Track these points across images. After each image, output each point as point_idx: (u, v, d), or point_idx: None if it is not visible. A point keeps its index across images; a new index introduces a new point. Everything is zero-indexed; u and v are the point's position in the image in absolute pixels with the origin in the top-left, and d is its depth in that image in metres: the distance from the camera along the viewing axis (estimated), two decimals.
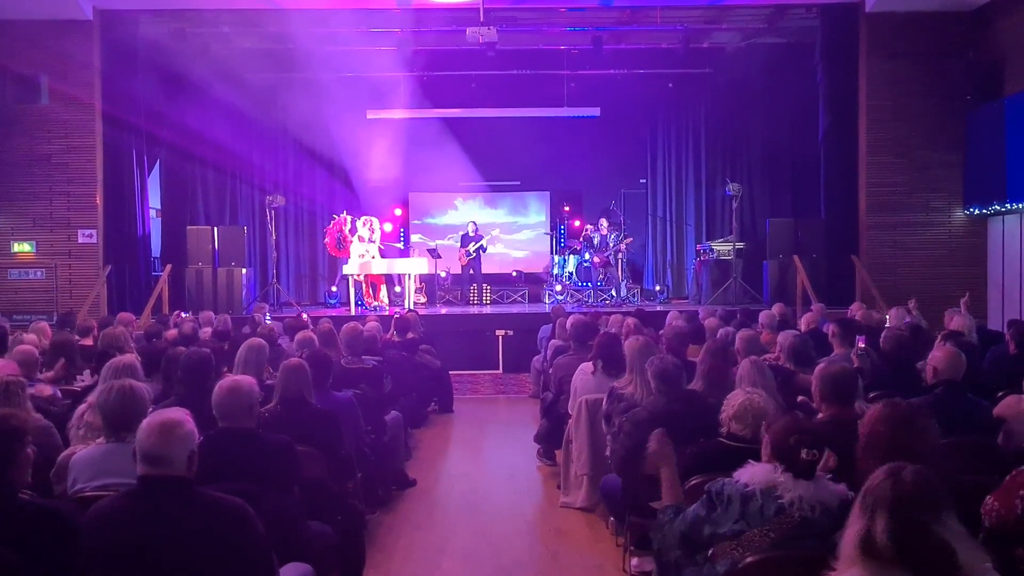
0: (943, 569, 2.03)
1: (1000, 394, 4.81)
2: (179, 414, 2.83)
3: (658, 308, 11.39)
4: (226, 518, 2.73)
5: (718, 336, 6.46)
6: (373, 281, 13.69)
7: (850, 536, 2.14)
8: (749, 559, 2.81)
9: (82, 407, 4.15)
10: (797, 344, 5.85)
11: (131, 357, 4.57)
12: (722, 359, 4.94)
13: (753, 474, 2.99)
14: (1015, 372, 4.60)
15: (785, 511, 2.87)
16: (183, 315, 10.34)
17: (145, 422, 2.78)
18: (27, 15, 12.06)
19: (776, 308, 9.25)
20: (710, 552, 3.09)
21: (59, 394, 5.31)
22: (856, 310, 9.17)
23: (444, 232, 16.32)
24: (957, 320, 7.34)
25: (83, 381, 5.89)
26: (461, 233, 15.14)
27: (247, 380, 3.85)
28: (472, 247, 14.68)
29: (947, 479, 2.85)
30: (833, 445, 3.35)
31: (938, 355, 4.60)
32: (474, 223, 15.11)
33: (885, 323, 7.95)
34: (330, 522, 4.06)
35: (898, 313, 8.29)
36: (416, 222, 16.72)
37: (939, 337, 6.81)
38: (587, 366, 6.19)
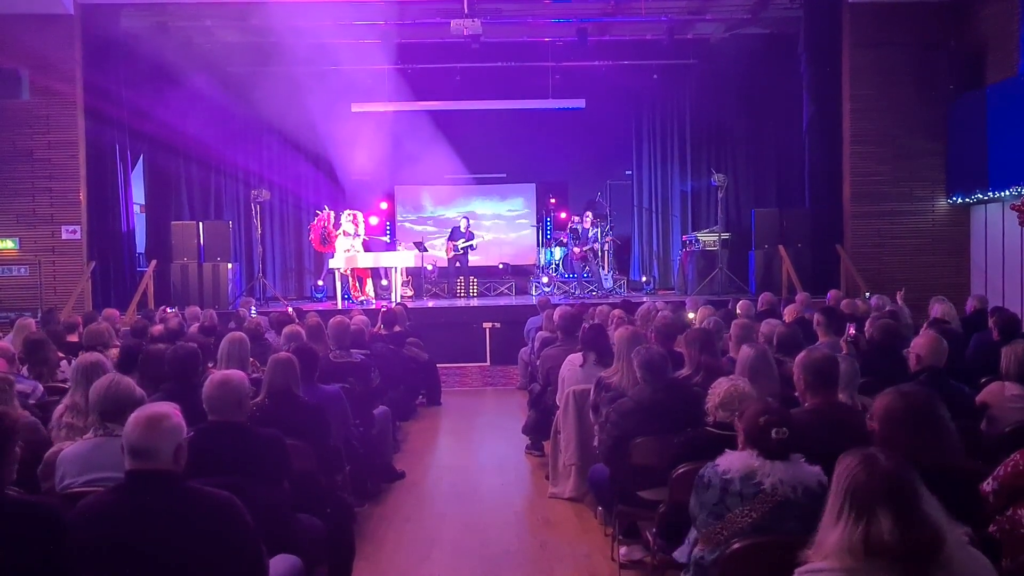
0: (933, 554, 2.04)
1: (983, 380, 4.87)
2: (166, 407, 2.82)
3: (644, 299, 11.41)
4: (215, 512, 2.73)
5: (702, 325, 6.48)
6: (359, 275, 13.66)
7: (842, 536, 2.09)
8: (735, 545, 2.84)
9: (60, 408, 4.13)
10: (785, 333, 5.87)
11: (98, 355, 4.52)
12: (698, 348, 4.97)
13: (730, 462, 3.04)
14: (998, 359, 4.63)
15: (766, 493, 2.92)
16: (168, 311, 10.29)
17: (132, 416, 2.77)
18: (7, 9, 11.94)
19: (763, 297, 9.29)
20: (695, 540, 3.13)
21: (40, 389, 5.28)
22: (833, 298, 9.21)
23: (430, 224, 16.32)
24: (938, 308, 7.41)
25: (64, 373, 5.86)
26: (451, 227, 15.12)
27: (238, 374, 3.86)
28: (461, 243, 14.68)
29: (965, 460, 2.93)
30: (820, 435, 3.39)
31: (921, 342, 4.64)
32: (466, 219, 15.09)
33: (870, 312, 8.02)
34: (319, 515, 4.07)
35: (879, 301, 8.36)
36: (401, 215, 16.70)
37: (924, 325, 6.88)
38: (575, 358, 6.20)
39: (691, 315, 8.15)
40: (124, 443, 2.73)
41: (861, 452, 2.20)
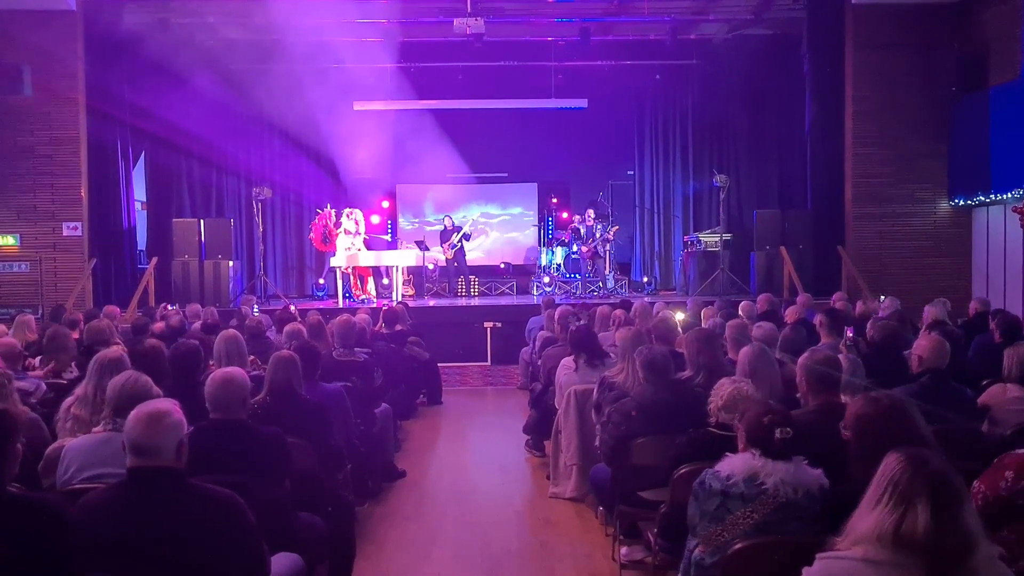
0: (961, 558, 2.03)
1: (985, 382, 4.87)
2: (166, 404, 2.82)
3: (646, 299, 11.40)
4: (217, 509, 2.73)
5: (707, 325, 6.47)
6: (361, 273, 13.65)
7: (876, 522, 2.10)
8: (737, 545, 2.83)
9: (68, 400, 4.12)
10: (789, 335, 5.87)
11: (118, 350, 4.54)
12: (699, 348, 4.96)
13: (732, 465, 3.02)
14: (1000, 361, 4.63)
15: (768, 494, 2.91)
16: (169, 308, 10.29)
17: (132, 413, 2.77)
18: (9, 5, 11.95)
19: (763, 298, 9.27)
20: (696, 543, 3.12)
21: (44, 386, 5.28)
22: (838, 300, 9.20)
23: (432, 224, 16.33)
24: (929, 311, 7.40)
25: (71, 374, 5.86)
26: (440, 230, 15.14)
27: (240, 372, 3.85)
28: (455, 237, 14.68)
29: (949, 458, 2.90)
30: (822, 436, 3.38)
31: (923, 344, 4.63)
32: (449, 217, 15.13)
33: (875, 312, 8.01)
34: (320, 513, 4.07)
35: (891, 303, 8.35)
36: (403, 215, 16.70)
37: (923, 327, 6.87)
38: (568, 361, 6.22)
39: (680, 315, 7.99)
40: (125, 440, 2.73)
41: (911, 449, 2.20)
